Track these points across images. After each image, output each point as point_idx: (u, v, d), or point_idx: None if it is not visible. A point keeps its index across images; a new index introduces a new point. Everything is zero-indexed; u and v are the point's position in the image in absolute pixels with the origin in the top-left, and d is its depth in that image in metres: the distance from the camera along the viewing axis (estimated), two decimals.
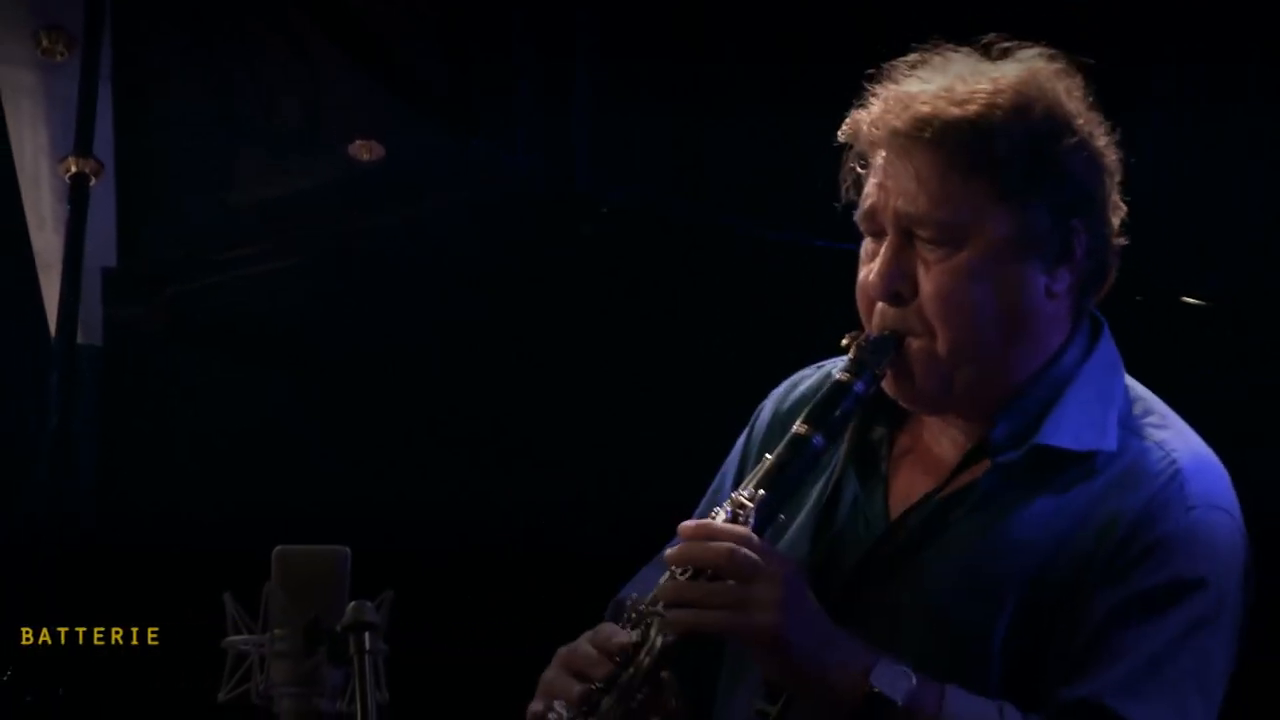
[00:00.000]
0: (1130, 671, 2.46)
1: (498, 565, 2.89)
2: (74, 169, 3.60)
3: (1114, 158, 2.58)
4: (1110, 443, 2.55)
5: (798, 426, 2.53)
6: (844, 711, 2.43)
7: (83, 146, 3.59)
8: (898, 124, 2.50)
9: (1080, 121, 2.55)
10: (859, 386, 2.52)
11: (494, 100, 5.16)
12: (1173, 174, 5.27)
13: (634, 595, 2.52)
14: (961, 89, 2.51)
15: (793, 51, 5.22)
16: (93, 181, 3.62)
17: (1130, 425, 2.58)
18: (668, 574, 2.47)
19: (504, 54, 5.27)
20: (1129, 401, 2.62)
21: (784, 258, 3.90)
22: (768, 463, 2.52)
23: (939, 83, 2.52)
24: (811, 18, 5.24)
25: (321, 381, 4.21)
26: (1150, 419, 2.60)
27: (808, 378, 2.75)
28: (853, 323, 2.60)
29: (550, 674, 2.53)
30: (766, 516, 2.48)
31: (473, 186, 4.02)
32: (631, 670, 2.48)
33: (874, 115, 2.52)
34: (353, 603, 2.53)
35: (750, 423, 2.79)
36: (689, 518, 2.59)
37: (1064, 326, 2.59)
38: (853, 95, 2.62)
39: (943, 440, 2.60)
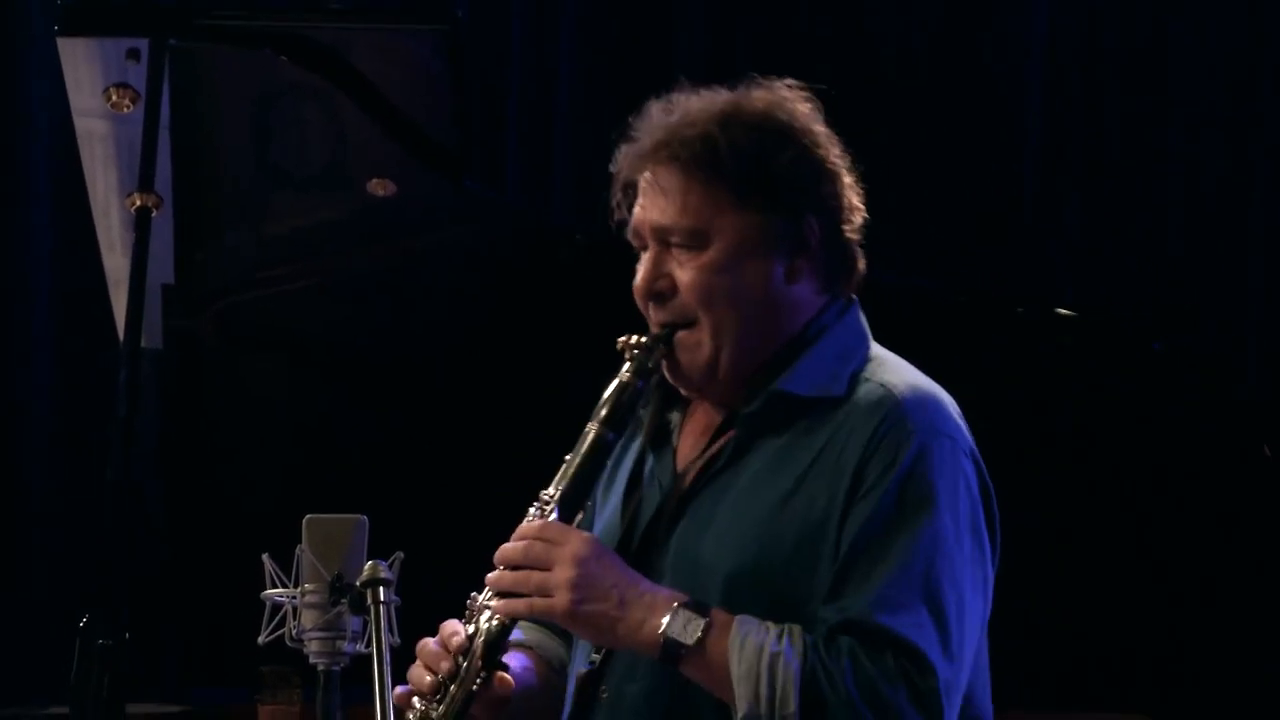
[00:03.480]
0: (884, 585, 2.40)
1: (487, 532, 2.92)
2: (138, 203, 3.59)
3: (842, 166, 2.58)
4: (839, 388, 2.52)
5: (591, 426, 2.54)
6: (651, 657, 2.44)
7: (146, 184, 3.59)
8: (645, 150, 2.52)
9: (806, 135, 2.54)
10: (640, 384, 2.54)
11: (488, 148, 5.20)
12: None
13: (473, 593, 2.54)
14: (697, 113, 2.53)
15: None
16: (154, 213, 3.61)
17: (859, 377, 2.54)
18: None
19: (498, 110, 5.33)
20: (867, 360, 2.58)
21: None
22: (568, 461, 2.54)
23: (681, 111, 2.53)
24: (785, 63, 5.27)
25: (341, 378, 4.20)
26: (881, 368, 2.57)
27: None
28: None
29: (411, 669, 2.56)
30: (571, 508, 2.50)
31: (469, 217, 4.02)
32: (467, 661, 2.50)
33: (630, 148, 2.54)
34: (370, 562, 2.61)
35: None
36: None
37: (810, 307, 2.57)
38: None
39: (715, 410, 2.60)
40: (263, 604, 2.70)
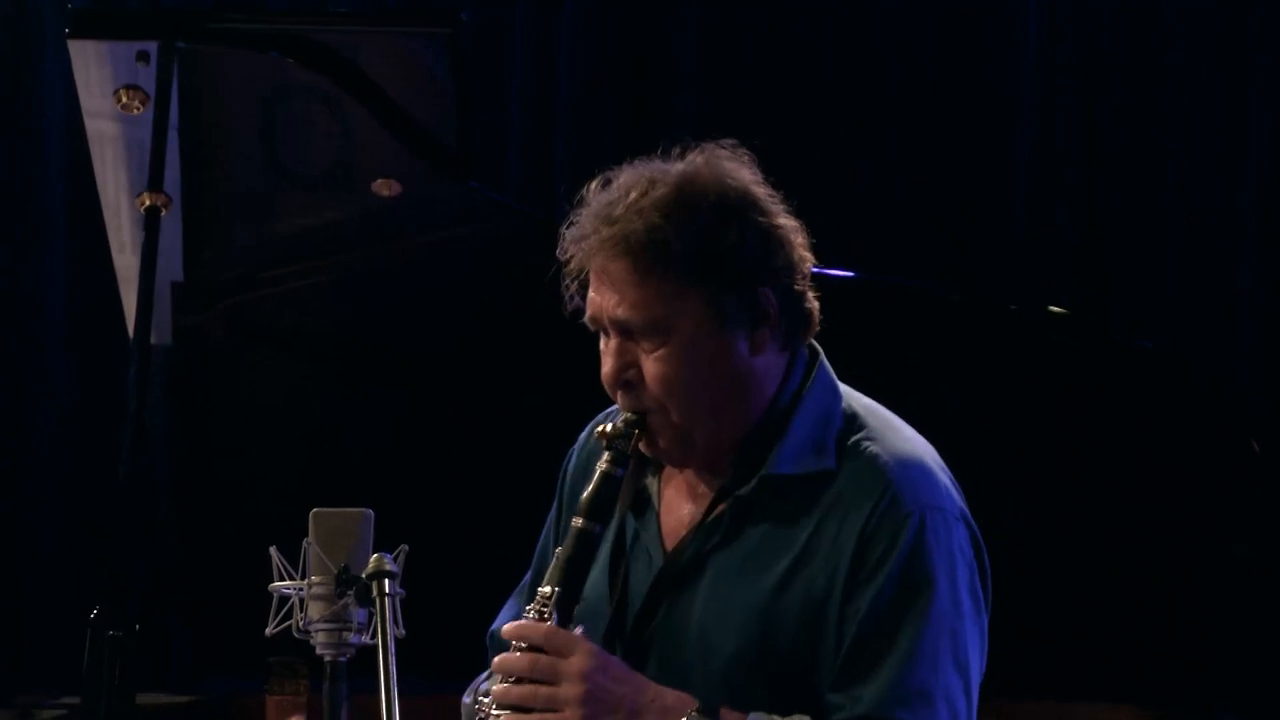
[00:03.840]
0: (895, 675, 2.41)
1: (489, 526, 2.93)
2: (148, 202, 3.62)
3: (788, 223, 2.52)
4: (829, 462, 2.50)
5: (577, 521, 2.51)
6: None
7: (155, 184, 3.62)
8: (594, 243, 2.48)
9: (750, 206, 2.49)
10: (619, 473, 2.52)
11: (490, 148, 5.21)
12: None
13: (481, 688, 2.54)
14: (641, 201, 2.46)
15: (746, 108, 5.27)
16: (163, 213, 3.64)
17: (847, 446, 2.51)
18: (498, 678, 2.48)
19: (500, 110, 5.34)
20: (846, 420, 2.54)
21: None
22: (558, 557, 2.51)
23: (621, 198, 2.48)
24: (785, 63, 5.29)
25: (346, 373, 4.22)
26: (863, 434, 2.52)
27: (599, 424, 2.66)
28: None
29: None
30: (566, 606, 2.49)
31: (472, 217, 4.04)
32: None
33: (577, 236, 2.51)
34: (375, 555, 2.64)
35: (561, 473, 2.77)
36: None
37: (778, 370, 2.54)
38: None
39: (700, 477, 2.59)
40: (270, 596, 2.73)
